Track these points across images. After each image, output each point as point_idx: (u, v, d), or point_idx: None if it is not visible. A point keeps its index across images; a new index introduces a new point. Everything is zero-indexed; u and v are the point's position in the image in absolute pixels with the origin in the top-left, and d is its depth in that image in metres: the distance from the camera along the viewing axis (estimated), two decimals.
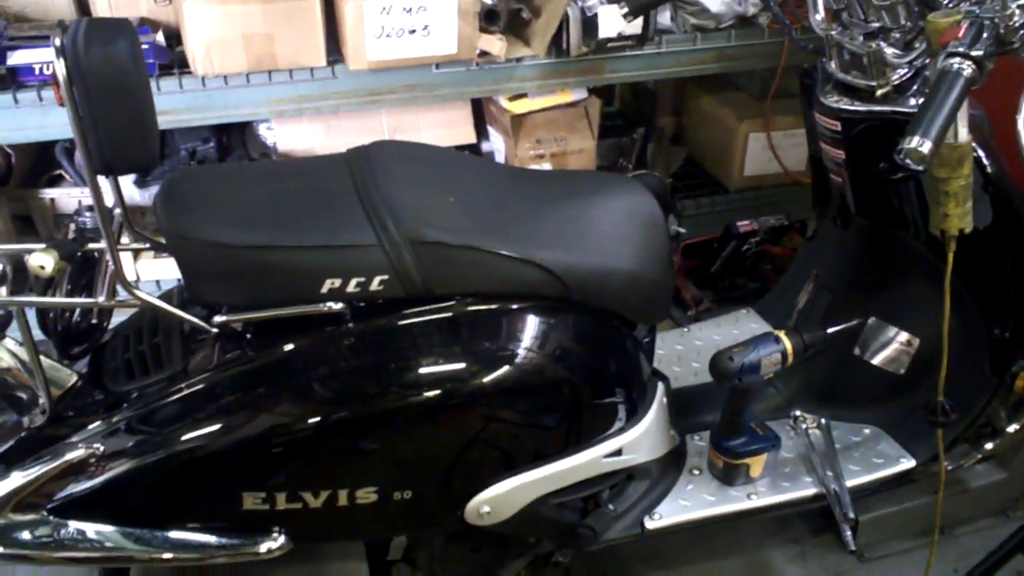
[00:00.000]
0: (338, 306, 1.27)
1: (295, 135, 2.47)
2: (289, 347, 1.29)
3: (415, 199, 1.32)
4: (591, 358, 1.41)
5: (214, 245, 1.22)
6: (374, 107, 2.33)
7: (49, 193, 2.37)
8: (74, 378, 1.33)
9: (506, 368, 1.31)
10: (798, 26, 1.81)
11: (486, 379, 1.30)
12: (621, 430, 1.44)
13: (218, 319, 1.28)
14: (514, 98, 2.53)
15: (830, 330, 1.65)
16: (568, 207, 1.42)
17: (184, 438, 1.24)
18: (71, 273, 1.31)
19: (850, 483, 1.60)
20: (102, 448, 1.24)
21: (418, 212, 1.29)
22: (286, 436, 1.26)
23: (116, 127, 1.13)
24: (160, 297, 1.32)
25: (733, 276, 2.67)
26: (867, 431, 1.73)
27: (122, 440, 1.25)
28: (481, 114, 2.71)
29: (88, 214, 2.20)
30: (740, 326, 1.90)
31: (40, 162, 2.46)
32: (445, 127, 2.62)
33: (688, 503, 1.59)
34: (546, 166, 2.63)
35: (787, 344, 1.54)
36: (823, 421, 1.73)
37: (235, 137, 2.48)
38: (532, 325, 1.35)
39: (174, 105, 2.14)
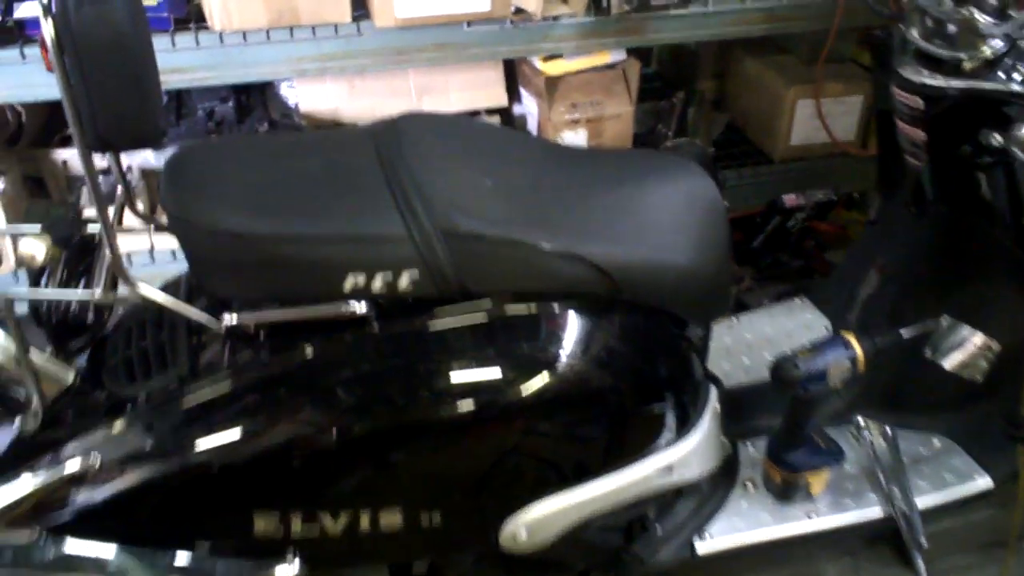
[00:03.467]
0: (362, 308, 1.15)
1: (318, 95, 2.35)
2: (308, 350, 1.18)
3: (448, 182, 1.20)
4: (641, 363, 1.29)
5: (223, 234, 1.11)
6: (401, 67, 2.20)
7: (61, 154, 2.26)
8: (72, 375, 1.22)
9: (547, 376, 1.19)
10: None
11: (525, 388, 1.18)
12: (672, 443, 1.31)
13: (227, 320, 1.16)
14: (548, 59, 2.39)
15: (904, 333, 1.49)
16: (618, 192, 1.29)
17: (190, 450, 1.14)
18: (68, 257, 1.20)
19: (920, 503, 1.46)
20: (101, 458, 1.13)
21: (452, 198, 1.17)
22: (303, 450, 1.15)
23: (112, 97, 1.00)
24: (166, 287, 1.20)
25: (776, 252, 2.53)
26: (937, 443, 1.57)
27: (123, 450, 1.14)
28: (513, 75, 2.57)
29: (101, 179, 2.08)
30: (794, 317, 1.76)
31: (53, 120, 2.34)
32: (475, 88, 2.48)
33: (742, 523, 1.45)
34: (581, 132, 2.50)
35: (857, 349, 1.38)
36: (888, 430, 1.57)
37: (255, 97, 2.36)
38: (576, 327, 1.23)
39: (189, 62, 2.01)
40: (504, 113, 2.54)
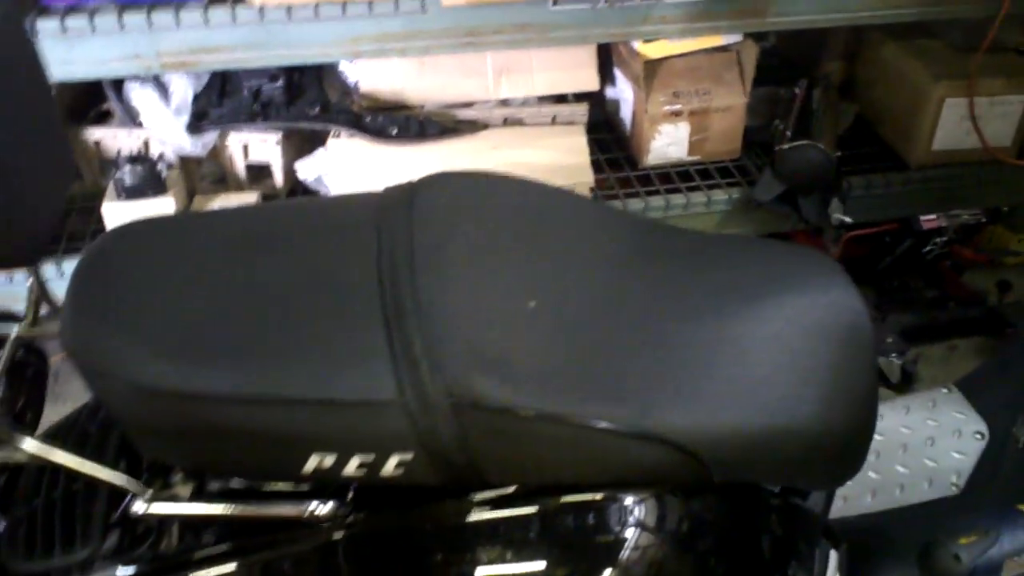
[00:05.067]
0: (326, 508, 0.85)
1: (381, 73, 2.06)
2: (255, 554, 0.88)
3: (472, 314, 0.84)
4: (736, 559, 0.95)
5: (141, 390, 0.80)
6: (472, 49, 1.88)
7: (94, 134, 2.02)
8: None
9: None
10: None
11: None
12: None
13: (140, 507, 0.86)
14: (649, 39, 2.04)
15: None
16: (723, 316, 0.91)
17: None
18: None
19: None
20: None
21: (474, 344, 0.82)
22: None
23: None
24: (78, 426, 0.92)
25: (905, 276, 2.14)
26: None
27: None
28: (607, 54, 2.23)
29: (129, 168, 1.84)
30: (938, 414, 1.37)
31: (91, 96, 2.09)
32: (563, 69, 2.15)
33: None
34: (682, 126, 2.15)
35: None
36: None
37: (309, 75, 2.07)
38: (636, 522, 0.88)
39: (226, 41, 1.73)
40: (595, 98, 2.20)
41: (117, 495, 0.92)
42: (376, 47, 1.81)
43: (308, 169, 2.01)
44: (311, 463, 0.81)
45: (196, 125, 1.96)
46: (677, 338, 0.89)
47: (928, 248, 2.05)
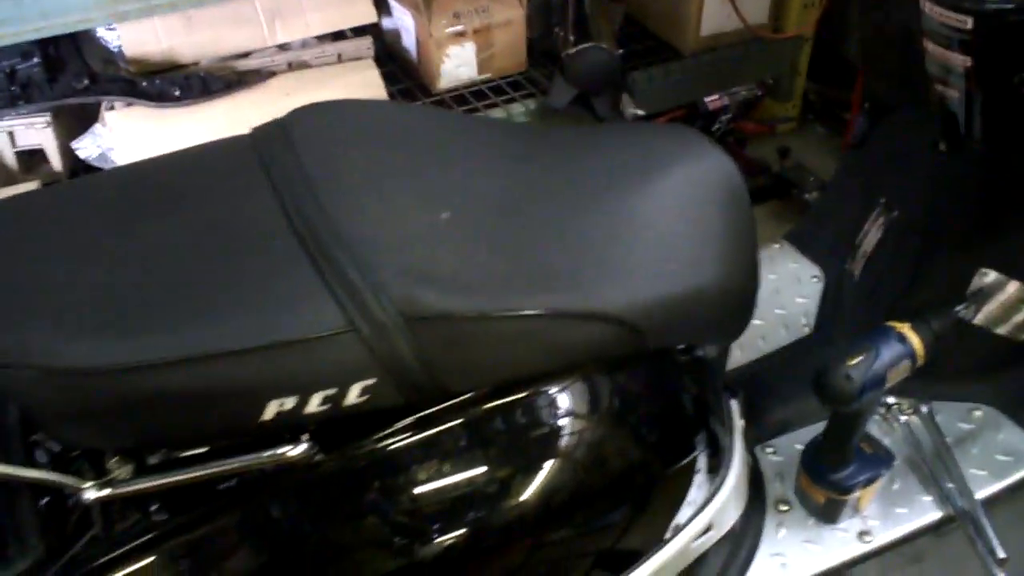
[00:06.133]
0: (298, 449, 0.81)
1: (146, 36, 1.91)
2: (224, 513, 0.83)
3: (393, 230, 0.83)
4: (669, 419, 0.99)
5: (53, 374, 0.72)
6: None
7: None
8: None
9: (556, 479, 0.89)
10: None
11: (527, 500, 0.87)
12: (708, 498, 1.03)
13: (93, 493, 0.78)
14: None
15: (963, 312, 1.22)
16: (621, 199, 0.94)
17: None
18: None
19: (979, 494, 1.23)
20: None
21: (402, 256, 0.81)
22: None
23: None
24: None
25: None
26: (978, 413, 1.32)
27: None
28: None
29: None
30: (778, 267, 1.48)
31: None
32: (336, 6, 2.08)
33: (786, 558, 1.17)
34: (468, 46, 2.15)
35: (915, 342, 1.10)
36: (924, 408, 1.30)
37: (66, 47, 1.90)
38: (587, 404, 0.91)
39: None
40: (374, 31, 2.15)
41: (39, 494, 0.83)
42: (142, 5, 1.69)
43: (88, 147, 1.86)
44: (270, 410, 0.77)
45: None
46: (585, 223, 0.92)
47: (716, 127, 2.17)
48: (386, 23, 2.27)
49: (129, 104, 1.85)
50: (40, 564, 0.80)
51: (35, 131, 1.83)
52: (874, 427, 1.27)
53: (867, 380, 1.05)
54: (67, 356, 0.73)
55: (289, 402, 0.78)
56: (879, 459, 1.19)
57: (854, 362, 1.05)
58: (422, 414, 0.86)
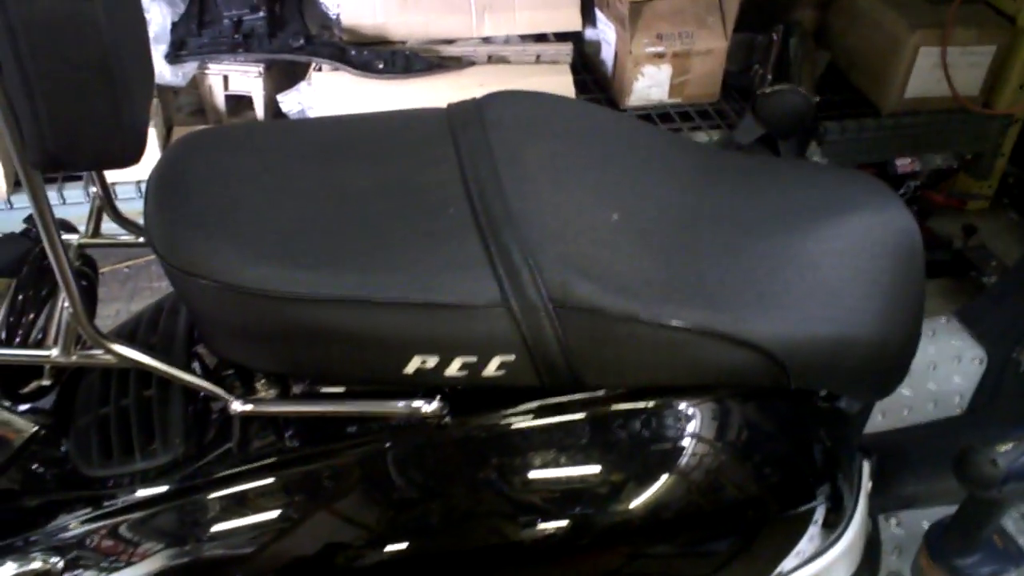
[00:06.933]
0: (432, 406, 0.85)
1: (364, 9, 2.03)
2: (349, 452, 0.87)
3: (559, 217, 0.86)
4: (793, 463, 0.97)
5: (234, 290, 0.78)
6: None
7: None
8: (33, 429, 0.93)
9: (668, 494, 0.89)
10: None
11: (635, 508, 0.88)
12: (818, 552, 1.00)
13: (239, 406, 0.85)
14: None
15: None
16: (792, 231, 0.94)
17: (170, 568, 0.84)
18: (22, 282, 0.90)
19: None
20: (60, 564, 0.85)
21: (565, 246, 0.83)
22: None
23: (65, 100, 0.66)
24: (152, 320, 0.90)
25: None
26: None
27: (88, 559, 0.85)
28: None
29: None
30: (940, 342, 1.43)
31: None
32: (545, 9, 2.15)
33: None
34: (664, 68, 2.16)
35: None
36: None
37: (290, 6, 2.03)
38: (715, 427, 0.91)
39: None
40: (575, 38, 2.20)
41: (189, 399, 0.90)
42: None
43: (291, 102, 1.98)
44: (412, 364, 0.82)
45: (176, 55, 1.90)
46: (751, 251, 0.92)
47: (902, 191, 2.10)
48: (589, 33, 2.30)
49: (335, 69, 1.96)
50: (176, 463, 0.87)
51: (248, 79, 1.97)
52: (1010, 523, 1.20)
53: (1013, 468, 0.99)
54: (247, 277, 0.79)
55: (431, 360, 0.81)
56: (1009, 555, 1.12)
57: (1004, 449, 1.00)
58: (552, 400, 0.88)
